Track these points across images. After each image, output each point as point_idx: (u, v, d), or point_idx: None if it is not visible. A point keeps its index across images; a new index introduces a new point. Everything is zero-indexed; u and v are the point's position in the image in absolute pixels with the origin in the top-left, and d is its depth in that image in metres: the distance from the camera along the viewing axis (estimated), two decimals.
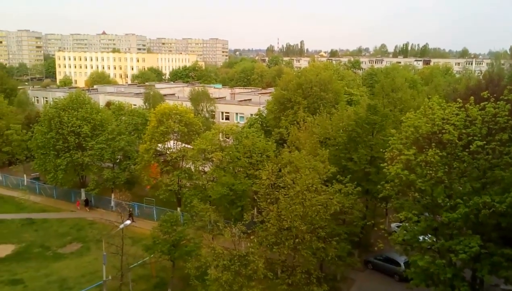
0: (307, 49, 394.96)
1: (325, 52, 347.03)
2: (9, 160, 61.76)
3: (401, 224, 28.24)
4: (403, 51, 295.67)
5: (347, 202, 32.36)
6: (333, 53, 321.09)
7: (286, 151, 38.23)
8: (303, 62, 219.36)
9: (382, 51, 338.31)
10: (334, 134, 40.86)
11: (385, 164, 27.75)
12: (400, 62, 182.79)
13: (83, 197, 53.09)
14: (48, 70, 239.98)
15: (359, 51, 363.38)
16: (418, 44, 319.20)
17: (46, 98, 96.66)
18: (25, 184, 58.21)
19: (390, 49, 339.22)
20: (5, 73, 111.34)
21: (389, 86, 58.28)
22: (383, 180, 28.04)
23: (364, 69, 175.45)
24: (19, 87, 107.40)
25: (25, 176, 59.07)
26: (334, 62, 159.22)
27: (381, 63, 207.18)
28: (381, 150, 31.68)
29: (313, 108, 50.49)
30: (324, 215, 30.62)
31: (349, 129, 38.55)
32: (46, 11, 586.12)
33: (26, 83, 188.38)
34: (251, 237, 31.56)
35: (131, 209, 46.04)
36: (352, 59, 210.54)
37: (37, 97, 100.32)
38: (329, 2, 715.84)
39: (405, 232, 26.51)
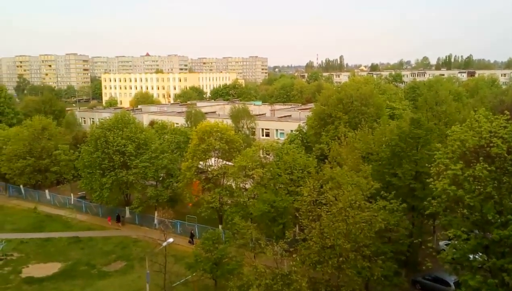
0: (346, 64, 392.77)
1: (365, 67, 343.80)
2: (57, 179, 63.92)
3: (450, 242, 27.12)
4: (446, 63, 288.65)
5: (393, 219, 31.37)
6: (374, 67, 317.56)
7: (327, 166, 37.61)
8: (343, 77, 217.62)
9: (424, 64, 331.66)
10: (376, 150, 39.92)
11: (431, 179, 26.84)
12: (443, 75, 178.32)
13: (127, 215, 54.16)
14: (94, 91, 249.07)
15: (400, 65, 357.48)
16: (461, 56, 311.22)
17: (93, 119, 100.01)
18: (72, 202, 59.94)
19: (433, 61, 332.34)
20: (54, 96, 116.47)
21: (433, 99, 56.61)
22: (430, 196, 27.09)
23: (406, 82, 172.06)
24: (67, 109, 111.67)
25: (72, 194, 60.90)
26: (374, 76, 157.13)
27: (424, 76, 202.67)
28: (426, 164, 30.69)
29: (354, 123, 49.67)
30: (369, 233, 29.76)
31: (392, 144, 37.54)
32: (92, 35, 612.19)
33: (74, 104, 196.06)
34: (294, 256, 30.97)
35: (192, 230, 46.74)
36: (393, 72, 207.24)
37: (84, 118, 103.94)
38: (368, 17, 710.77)
39: (454, 250, 25.39)
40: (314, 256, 30.47)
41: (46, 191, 62.73)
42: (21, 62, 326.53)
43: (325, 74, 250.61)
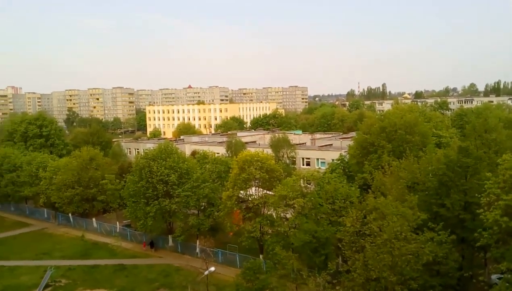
0: (389, 92, 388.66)
1: (409, 94, 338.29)
2: (104, 208, 65.58)
3: (502, 276, 25.77)
4: (495, 90, 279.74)
5: (441, 251, 30.25)
6: (418, 95, 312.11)
7: (371, 196, 36.83)
8: (386, 105, 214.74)
9: (471, 91, 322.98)
10: (423, 179, 38.90)
11: (482, 210, 25.84)
12: (492, 101, 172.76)
13: (170, 243, 54.78)
14: (139, 123, 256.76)
15: (446, 92, 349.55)
16: (511, 82, 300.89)
17: (138, 149, 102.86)
18: (118, 230, 61.22)
19: (481, 88, 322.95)
20: (101, 128, 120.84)
21: (482, 127, 54.77)
22: (480, 227, 26.08)
23: (453, 110, 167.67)
24: (113, 140, 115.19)
25: (117, 223, 62.28)
26: (419, 103, 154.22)
27: (471, 103, 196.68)
28: (476, 194, 29.63)
29: (399, 152, 48.71)
30: (416, 265, 28.82)
31: (439, 173, 36.48)
32: (137, 69, 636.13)
33: (120, 136, 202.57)
34: (337, 288, 30.35)
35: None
36: (439, 100, 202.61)
37: (130, 148, 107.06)
38: (411, 43, 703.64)
39: (507, 284, 24.13)
40: (359, 289, 29.73)
41: (93, 219, 64.50)
42: (70, 96, 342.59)
43: (367, 102, 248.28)
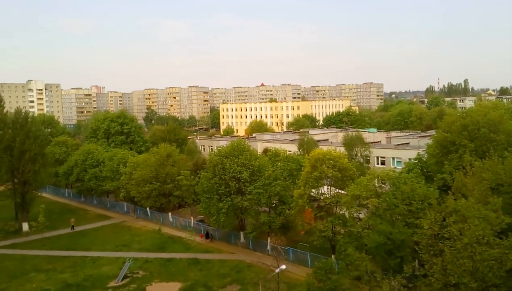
0: (472, 88, 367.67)
1: (493, 90, 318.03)
2: (179, 203, 67.83)
3: None
4: None
5: None
6: (503, 91, 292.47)
7: (451, 198, 34.90)
8: (468, 102, 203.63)
9: None
10: (508, 181, 36.29)
11: None
12: None
13: (242, 239, 55.53)
14: (213, 121, 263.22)
15: None
16: None
17: (211, 146, 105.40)
18: (192, 225, 63.05)
19: None
20: (177, 125, 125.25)
21: None
22: None
23: None
24: (188, 137, 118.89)
25: (192, 218, 64.13)
26: (505, 100, 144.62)
27: None
28: None
29: (481, 151, 45.82)
30: (499, 272, 26.98)
31: None
32: (212, 69, 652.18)
33: (195, 133, 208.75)
34: None
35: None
36: None
37: (204, 146, 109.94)
38: (496, 37, 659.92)
39: None
40: None
41: (169, 214, 66.93)
42: (149, 95, 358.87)
43: (447, 99, 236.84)
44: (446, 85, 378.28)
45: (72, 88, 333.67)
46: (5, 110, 66.47)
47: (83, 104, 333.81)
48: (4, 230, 63.84)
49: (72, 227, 65.43)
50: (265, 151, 78.88)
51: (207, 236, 57.89)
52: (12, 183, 66.09)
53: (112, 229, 65.16)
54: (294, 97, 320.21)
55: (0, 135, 63.80)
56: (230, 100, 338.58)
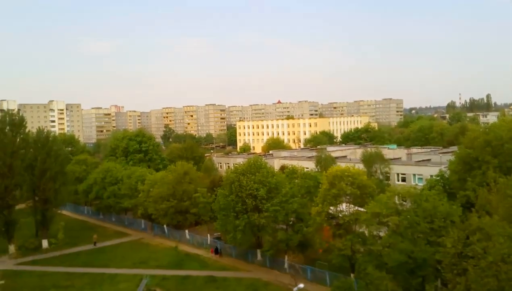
0: (494, 103, 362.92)
1: None
2: (196, 220, 67.62)
3: None
4: None
5: None
6: None
7: (474, 216, 33.83)
8: (491, 117, 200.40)
9: None
10: None
11: None
12: None
13: (258, 257, 54.83)
14: (230, 138, 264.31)
15: None
16: None
17: (228, 164, 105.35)
18: (208, 242, 62.61)
19: None
20: (194, 143, 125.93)
21: None
22: None
23: None
24: (205, 155, 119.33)
25: (208, 235, 63.71)
26: None
27: None
28: None
29: (506, 167, 44.61)
30: None
31: None
32: (230, 86, 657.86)
33: (211, 151, 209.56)
34: None
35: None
36: None
37: (220, 163, 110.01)
38: None
39: None
40: None
41: (186, 231, 66.65)
42: (167, 113, 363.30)
43: (469, 114, 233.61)
44: (468, 101, 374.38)
45: (92, 108, 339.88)
46: (27, 130, 67.61)
47: (103, 123, 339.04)
48: (25, 247, 64.33)
49: (95, 243, 65.75)
50: (282, 168, 78.41)
51: (216, 251, 58.35)
52: (33, 201, 66.77)
53: (130, 246, 65.15)
54: (311, 114, 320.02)
55: (22, 154, 64.75)
56: (247, 118, 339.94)
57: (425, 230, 37.76)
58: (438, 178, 55.49)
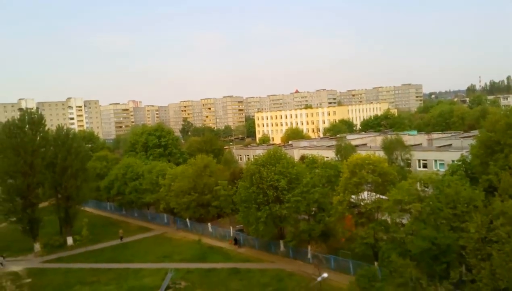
0: None
1: None
2: (218, 213, 68.07)
3: None
4: None
5: None
6: None
7: (497, 200, 33.43)
8: None
9: None
10: None
11: None
12: None
13: (281, 248, 55.06)
14: (248, 130, 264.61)
15: None
16: None
17: (248, 155, 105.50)
18: (231, 235, 62.99)
19: None
20: (213, 136, 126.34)
21: None
22: None
23: None
24: (225, 147, 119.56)
25: (231, 227, 64.12)
26: None
27: None
28: None
29: None
30: None
31: None
32: (246, 77, 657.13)
33: (231, 143, 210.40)
34: None
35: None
36: None
37: (240, 155, 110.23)
38: None
39: None
40: None
41: (209, 224, 67.20)
42: (185, 107, 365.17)
43: (490, 97, 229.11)
44: (488, 83, 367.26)
45: (110, 104, 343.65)
46: (46, 128, 68.58)
47: (121, 119, 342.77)
48: (49, 245, 65.74)
49: (121, 238, 66.94)
50: (302, 158, 78.26)
51: (235, 242, 59.23)
52: (55, 199, 68.10)
53: (153, 241, 66.06)
54: (330, 103, 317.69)
55: (42, 152, 65.63)
56: (265, 109, 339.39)
57: (448, 216, 37.45)
58: (459, 163, 54.80)
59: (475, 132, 77.03)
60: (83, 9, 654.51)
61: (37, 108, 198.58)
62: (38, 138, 65.62)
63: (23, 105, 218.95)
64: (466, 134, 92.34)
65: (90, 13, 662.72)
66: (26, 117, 65.74)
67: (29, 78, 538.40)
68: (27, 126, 64.92)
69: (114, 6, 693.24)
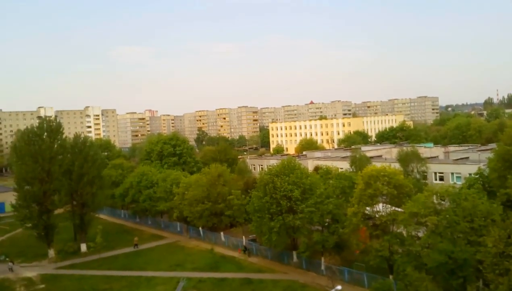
0: None
1: None
2: (231, 223, 67.91)
3: None
4: None
5: None
6: None
7: None
8: None
9: None
10: None
11: None
12: None
13: (294, 259, 54.58)
14: (263, 140, 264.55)
15: None
16: None
17: (261, 165, 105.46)
18: (244, 244, 62.70)
19: None
20: (228, 146, 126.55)
21: None
22: None
23: None
24: (239, 157, 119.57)
25: (243, 237, 63.82)
26: None
27: None
28: None
29: None
30: None
31: None
32: (261, 87, 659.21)
33: (245, 153, 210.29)
34: None
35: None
36: None
37: (254, 165, 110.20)
38: None
39: None
40: None
41: (221, 233, 67.03)
42: (200, 116, 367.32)
43: (507, 111, 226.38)
44: (505, 97, 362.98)
45: (127, 113, 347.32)
46: (64, 136, 69.42)
47: (138, 128, 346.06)
48: (64, 251, 66.26)
49: (135, 245, 67.12)
50: (316, 168, 77.82)
51: (245, 250, 59.75)
52: (71, 205, 68.65)
53: (166, 249, 66.06)
54: (345, 114, 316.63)
55: (60, 160, 66.40)
56: (280, 119, 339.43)
57: (465, 230, 36.82)
58: (477, 176, 53.94)
59: (493, 145, 76.05)
60: (102, 21, 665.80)
61: (56, 116, 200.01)
62: (55, 145, 66.41)
63: (42, 114, 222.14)
64: (483, 147, 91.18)
65: (109, 24, 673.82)
66: (45, 125, 66.72)
67: (49, 88, 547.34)
68: (45, 134, 65.80)
69: (132, 17, 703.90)
